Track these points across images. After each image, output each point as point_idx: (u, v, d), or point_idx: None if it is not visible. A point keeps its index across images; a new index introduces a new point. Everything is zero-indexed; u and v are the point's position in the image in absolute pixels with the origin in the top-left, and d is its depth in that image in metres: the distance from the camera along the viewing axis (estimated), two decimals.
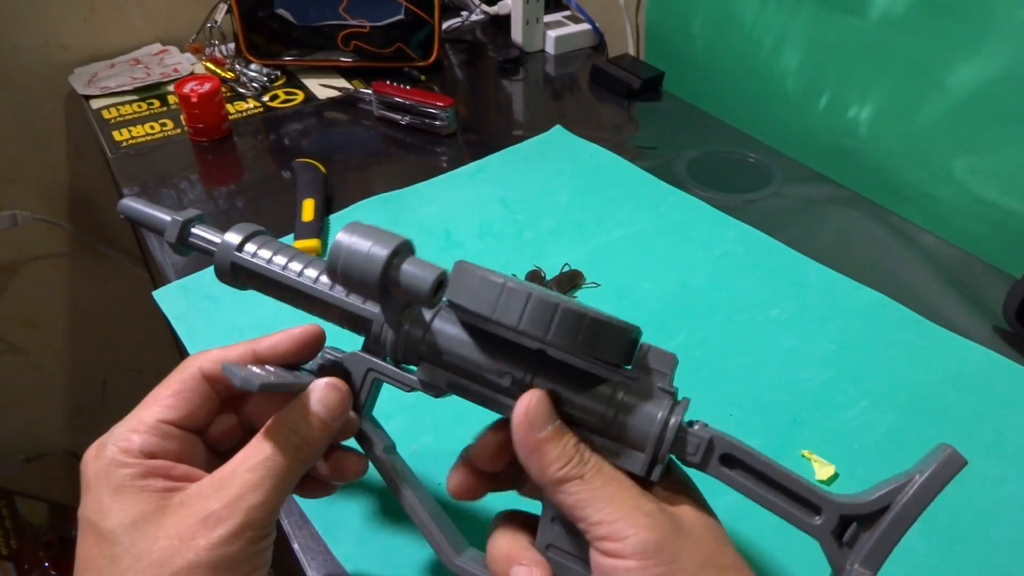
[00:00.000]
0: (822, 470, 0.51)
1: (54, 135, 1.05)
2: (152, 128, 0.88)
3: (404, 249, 0.33)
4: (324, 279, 0.37)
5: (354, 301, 0.36)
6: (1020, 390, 0.57)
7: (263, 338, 0.37)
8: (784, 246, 0.70)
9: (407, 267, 0.32)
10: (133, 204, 0.40)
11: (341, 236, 0.33)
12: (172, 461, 0.33)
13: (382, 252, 0.32)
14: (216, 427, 0.38)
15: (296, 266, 0.38)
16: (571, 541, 0.32)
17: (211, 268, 0.66)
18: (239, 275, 0.38)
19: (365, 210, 0.73)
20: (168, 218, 0.39)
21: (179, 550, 0.29)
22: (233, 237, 0.38)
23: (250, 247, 0.38)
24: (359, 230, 0.33)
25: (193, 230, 0.39)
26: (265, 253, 0.38)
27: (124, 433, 0.33)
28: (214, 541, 0.30)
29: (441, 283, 0.33)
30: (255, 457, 0.32)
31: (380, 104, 0.89)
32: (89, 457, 0.33)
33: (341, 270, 0.32)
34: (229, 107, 0.91)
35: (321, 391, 0.35)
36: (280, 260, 0.38)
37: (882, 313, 0.63)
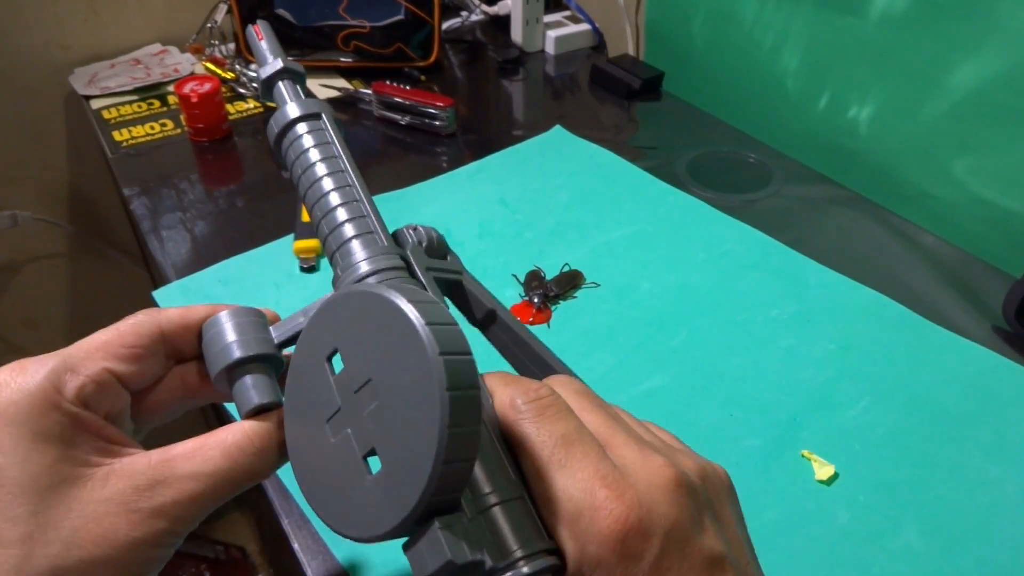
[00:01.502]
0: (822, 470, 0.51)
1: (54, 135, 1.05)
2: (152, 128, 0.88)
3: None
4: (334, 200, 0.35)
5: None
6: (1020, 390, 0.57)
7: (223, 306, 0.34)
8: (784, 246, 0.70)
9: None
10: (260, 31, 0.39)
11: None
12: (101, 418, 0.29)
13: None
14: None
15: (317, 173, 0.35)
16: None
17: (211, 268, 0.67)
18: (278, 149, 0.37)
19: None
20: (270, 59, 0.38)
21: (94, 534, 0.26)
22: (292, 110, 0.36)
23: (301, 128, 0.36)
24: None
25: (279, 83, 0.38)
26: (304, 143, 0.36)
27: (60, 367, 0.29)
28: (136, 538, 0.27)
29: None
30: (203, 467, 0.28)
31: (380, 104, 0.89)
32: (10, 376, 0.28)
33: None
34: (229, 107, 0.91)
35: (278, 414, 0.31)
36: (308, 159, 0.35)
37: (882, 313, 0.63)
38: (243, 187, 0.80)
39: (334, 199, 0.35)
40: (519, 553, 0.25)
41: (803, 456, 0.52)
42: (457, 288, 0.36)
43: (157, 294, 0.65)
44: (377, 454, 0.25)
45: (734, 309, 0.63)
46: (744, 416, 0.55)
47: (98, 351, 0.30)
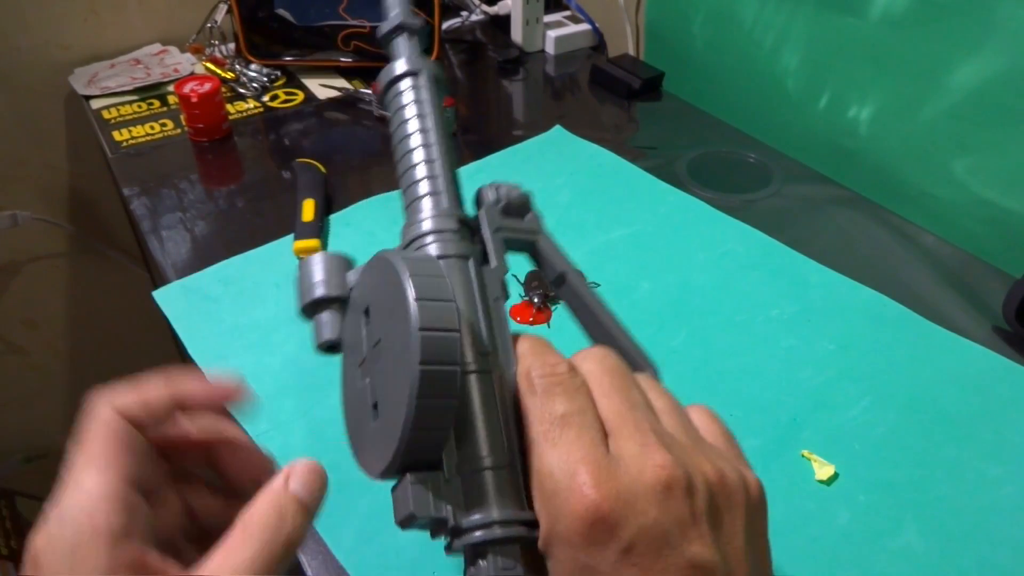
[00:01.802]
0: (822, 470, 0.51)
1: (54, 135, 1.05)
2: (152, 128, 0.88)
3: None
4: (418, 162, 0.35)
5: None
6: (1020, 390, 0.57)
7: (183, 378, 0.32)
8: (784, 246, 0.70)
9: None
10: None
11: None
12: (140, 541, 0.26)
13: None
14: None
15: (410, 128, 0.36)
16: None
17: (211, 268, 0.67)
18: (383, 102, 0.38)
19: (365, 210, 0.73)
20: (395, 11, 0.38)
21: None
22: (400, 66, 0.37)
23: (402, 84, 0.37)
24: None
25: (396, 38, 0.38)
26: (401, 100, 0.36)
27: (78, 511, 0.26)
28: None
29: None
30: (239, 557, 0.26)
31: (380, 104, 0.89)
32: (40, 547, 0.26)
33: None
34: (229, 107, 0.91)
35: (301, 475, 0.30)
36: (400, 115, 0.36)
37: (882, 313, 0.63)
38: (243, 187, 0.80)
39: (413, 157, 0.35)
40: (496, 517, 0.26)
41: (803, 456, 0.52)
42: (533, 249, 0.37)
43: (157, 294, 0.65)
44: (377, 406, 0.27)
45: (734, 309, 0.63)
46: (744, 416, 0.55)
47: (90, 469, 0.27)
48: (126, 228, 1.18)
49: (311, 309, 0.33)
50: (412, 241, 0.33)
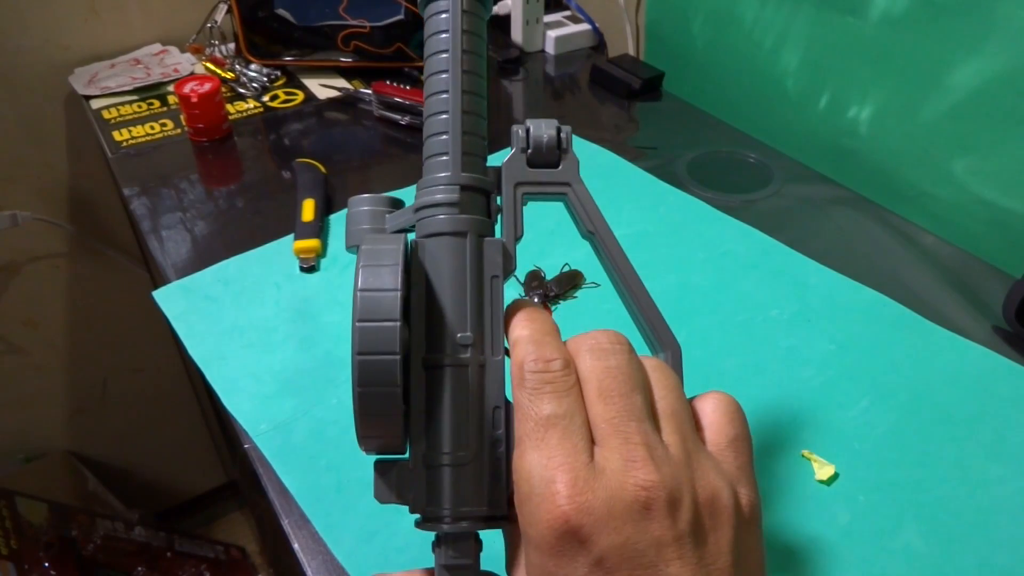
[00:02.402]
0: (822, 470, 0.51)
1: (54, 135, 1.05)
2: (152, 128, 0.88)
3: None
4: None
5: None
6: (1020, 390, 0.57)
7: None
8: (784, 246, 0.70)
9: None
10: None
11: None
12: None
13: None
14: None
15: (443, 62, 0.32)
16: None
17: (211, 268, 0.67)
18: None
19: None
20: None
21: None
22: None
23: (443, 3, 0.32)
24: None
25: None
26: (437, 24, 0.32)
27: None
28: None
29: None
30: None
31: (380, 104, 0.89)
32: None
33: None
34: (229, 107, 0.91)
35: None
36: (429, 46, 0.32)
37: (882, 313, 0.63)
38: (243, 187, 0.80)
39: (431, 104, 0.32)
40: (447, 512, 0.28)
41: (803, 456, 0.52)
42: (566, 201, 0.34)
43: (157, 294, 0.65)
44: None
45: (734, 309, 0.63)
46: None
47: None
48: (126, 228, 1.18)
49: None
50: (418, 211, 0.31)
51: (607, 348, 0.28)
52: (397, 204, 0.34)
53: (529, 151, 0.33)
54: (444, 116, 0.32)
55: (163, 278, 0.67)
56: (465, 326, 0.29)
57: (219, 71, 0.96)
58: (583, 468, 0.25)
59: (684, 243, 0.70)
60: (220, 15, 0.98)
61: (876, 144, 0.78)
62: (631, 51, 1.05)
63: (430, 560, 0.46)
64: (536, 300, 0.62)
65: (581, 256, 0.68)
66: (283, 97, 0.94)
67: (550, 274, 0.66)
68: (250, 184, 0.80)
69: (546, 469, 0.25)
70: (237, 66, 0.97)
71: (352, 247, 0.32)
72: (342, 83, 0.96)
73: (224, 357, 0.59)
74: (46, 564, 1.15)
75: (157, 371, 1.37)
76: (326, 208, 0.74)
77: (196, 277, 0.66)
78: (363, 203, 0.33)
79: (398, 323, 0.26)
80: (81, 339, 1.26)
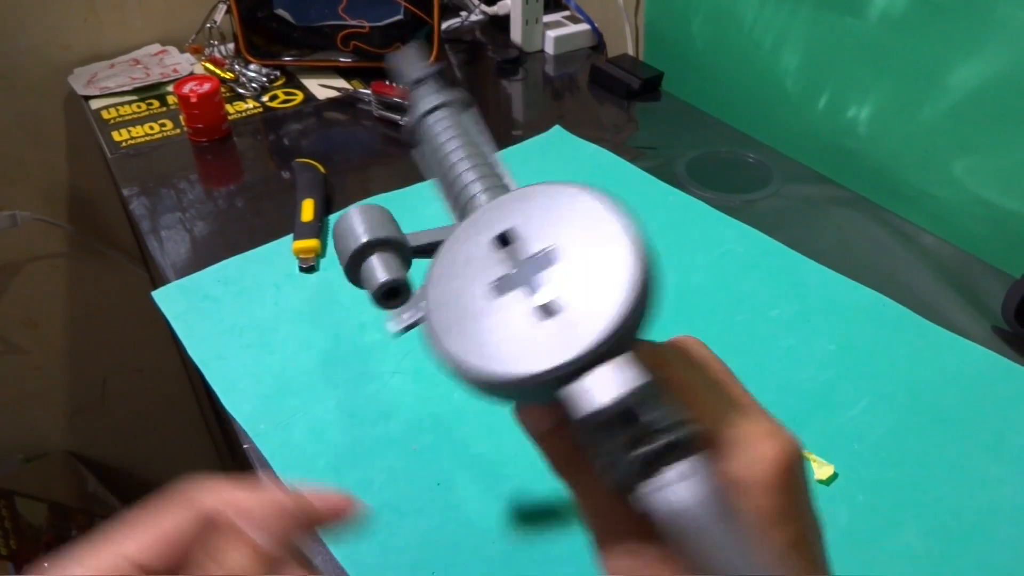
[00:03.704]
0: (821, 470, 0.51)
1: (54, 135, 1.05)
2: (152, 128, 0.88)
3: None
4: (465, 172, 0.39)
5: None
6: (1020, 390, 0.57)
7: (293, 495, 0.27)
8: (784, 246, 0.70)
9: None
10: (404, 57, 0.43)
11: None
12: None
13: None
14: None
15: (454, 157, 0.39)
16: None
17: (211, 268, 0.67)
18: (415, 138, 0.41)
19: None
20: (417, 75, 0.42)
21: None
22: (426, 104, 0.40)
23: (432, 118, 0.40)
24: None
25: (419, 89, 0.42)
26: (434, 129, 0.40)
27: None
28: None
29: None
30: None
31: (380, 104, 0.89)
32: None
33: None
34: (228, 107, 0.91)
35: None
36: (440, 139, 0.39)
37: (882, 313, 0.63)
38: (243, 187, 0.80)
39: (464, 176, 0.39)
40: (686, 415, 0.24)
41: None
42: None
43: (157, 294, 0.65)
44: (554, 307, 0.27)
45: (734, 309, 0.63)
46: None
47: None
48: (126, 228, 1.18)
49: (357, 259, 0.33)
50: None
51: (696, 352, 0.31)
52: (384, 211, 0.36)
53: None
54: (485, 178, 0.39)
55: (163, 278, 0.67)
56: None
57: (218, 71, 0.96)
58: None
59: (684, 243, 0.70)
60: (219, 15, 0.98)
61: (876, 144, 0.78)
62: (630, 51, 1.05)
63: (430, 560, 0.46)
64: None
65: None
66: (282, 97, 0.94)
67: None
68: (249, 184, 0.80)
69: (763, 417, 0.27)
70: (236, 66, 0.97)
71: (357, 248, 0.33)
72: (341, 83, 0.96)
73: (223, 357, 0.59)
74: (46, 564, 1.15)
75: (157, 371, 1.37)
76: (325, 208, 0.74)
77: (195, 277, 0.66)
78: (353, 214, 0.35)
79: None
80: (81, 339, 1.26)
